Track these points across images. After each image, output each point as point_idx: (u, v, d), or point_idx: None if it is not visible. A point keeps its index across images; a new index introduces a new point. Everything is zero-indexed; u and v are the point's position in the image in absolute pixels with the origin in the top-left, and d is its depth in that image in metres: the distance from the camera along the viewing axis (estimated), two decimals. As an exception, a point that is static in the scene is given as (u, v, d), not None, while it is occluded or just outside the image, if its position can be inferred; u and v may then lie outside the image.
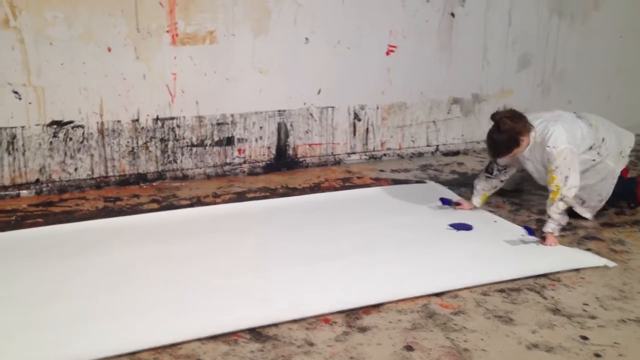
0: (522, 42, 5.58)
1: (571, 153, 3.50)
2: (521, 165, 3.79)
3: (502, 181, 3.91)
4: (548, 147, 3.50)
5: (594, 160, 3.69)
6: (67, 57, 4.10)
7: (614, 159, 3.77)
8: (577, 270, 3.17)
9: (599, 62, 5.96)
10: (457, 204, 4.01)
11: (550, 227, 3.47)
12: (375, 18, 4.96)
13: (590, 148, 3.67)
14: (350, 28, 4.90)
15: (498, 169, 3.88)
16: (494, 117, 3.61)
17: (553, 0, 5.59)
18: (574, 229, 3.70)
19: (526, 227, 3.61)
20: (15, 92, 4.03)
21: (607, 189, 3.80)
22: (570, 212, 3.67)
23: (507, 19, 5.46)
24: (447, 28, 5.25)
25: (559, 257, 3.32)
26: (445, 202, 4.06)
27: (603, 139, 3.72)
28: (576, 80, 5.90)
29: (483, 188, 3.93)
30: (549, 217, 3.49)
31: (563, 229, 3.58)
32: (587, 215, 3.85)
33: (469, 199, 4.00)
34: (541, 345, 2.49)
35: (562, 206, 3.47)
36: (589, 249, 3.44)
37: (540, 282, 3.04)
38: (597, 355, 2.43)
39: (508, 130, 3.54)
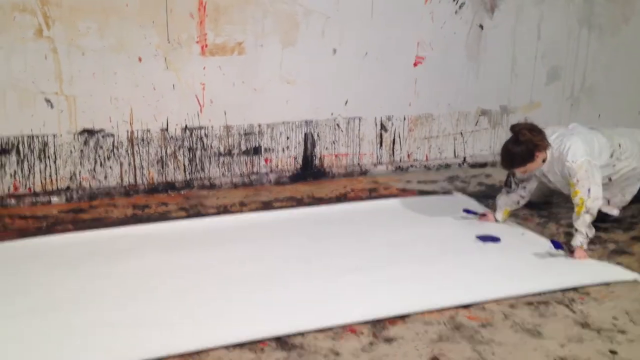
0: (551, 55, 5.54)
1: (590, 165, 3.48)
2: (538, 179, 3.77)
3: (522, 197, 3.87)
4: (567, 162, 3.48)
5: (614, 166, 3.68)
6: (98, 67, 4.17)
7: (636, 159, 3.73)
8: (607, 284, 3.13)
9: (629, 76, 5.89)
10: (483, 215, 3.99)
11: (579, 240, 3.44)
12: (403, 29, 4.96)
13: (611, 156, 3.65)
14: (378, 39, 4.91)
15: (516, 182, 3.87)
16: (513, 128, 3.60)
17: (582, 14, 5.55)
18: (604, 243, 3.66)
19: (553, 241, 3.57)
20: (48, 101, 4.11)
21: (631, 189, 3.79)
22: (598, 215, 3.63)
23: (536, 32, 5.42)
24: (475, 40, 5.24)
25: (588, 270, 3.28)
26: (468, 212, 4.04)
27: (619, 145, 3.69)
28: (606, 95, 5.84)
29: (505, 203, 3.91)
30: (576, 230, 3.45)
31: (592, 243, 3.55)
32: (614, 212, 3.83)
33: (495, 211, 3.98)
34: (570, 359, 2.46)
35: (588, 219, 3.44)
36: (619, 263, 3.39)
37: (569, 296, 3.00)
38: (627, 371, 2.40)
39: (526, 142, 3.51)
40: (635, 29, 5.78)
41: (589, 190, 3.44)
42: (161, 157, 4.48)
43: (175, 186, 4.53)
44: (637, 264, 3.39)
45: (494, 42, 5.30)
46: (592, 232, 3.49)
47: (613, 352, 2.52)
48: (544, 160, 3.60)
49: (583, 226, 3.44)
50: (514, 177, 3.90)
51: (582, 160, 3.47)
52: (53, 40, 4.04)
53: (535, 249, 3.52)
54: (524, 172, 3.70)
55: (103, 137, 4.29)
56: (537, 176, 3.79)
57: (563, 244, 3.53)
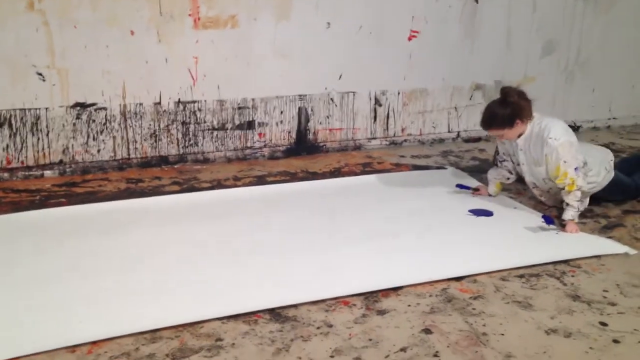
0: (546, 29, 5.52)
1: (574, 145, 3.48)
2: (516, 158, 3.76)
3: (510, 172, 3.87)
4: (550, 138, 3.46)
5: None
6: (90, 40, 4.14)
7: (598, 185, 3.67)
8: (598, 257, 3.15)
9: (624, 50, 5.88)
10: (476, 189, 4.00)
11: (570, 214, 3.45)
12: (397, 3, 4.93)
13: (584, 165, 3.56)
14: (373, 13, 4.88)
15: (499, 160, 3.89)
16: (503, 89, 3.59)
17: (578, -14, 5.54)
18: (596, 217, 3.68)
19: (545, 216, 3.58)
20: (40, 74, 4.08)
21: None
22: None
23: (531, 5, 5.40)
24: (470, 14, 5.21)
25: (579, 243, 3.30)
26: (461, 187, 4.06)
27: (586, 162, 3.57)
28: (600, 68, 5.84)
29: (495, 177, 3.91)
30: (567, 204, 3.46)
31: (584, 216, 3.57)
32: None
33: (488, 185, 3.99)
34: (560, 331, 2.49)
35: (579, 194, 3.45)
36: (610, 236, 3.41)
37: (560, 269, 3.03)
38: (616, 342, 2.42)
39: (512, 105, 3.50)
40: (630, 3, 5.76)
41: (576, 169, 3.44)
42: (154, 131, 4.46)
43: (169, 160, 4.53)
44: (628, 237, 3.41)
45: (489, 15, 5.27)
46: (583, 206, 3.51)
47: (603, 324, 2.54)
48: (520, 135, 3.59)
49: (574, 200, 3.45)
50: (497, 154, 3.91)
51: (565, 139, 3.46)
52: (44, 13, 4.00)
53: (527, 223, 3.53)
54: (500, 138, 3.67)
55: (96, 110, 4.27)
56: (509, 154, 3.78)
57: (554, 219, 3.55)
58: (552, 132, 3.47)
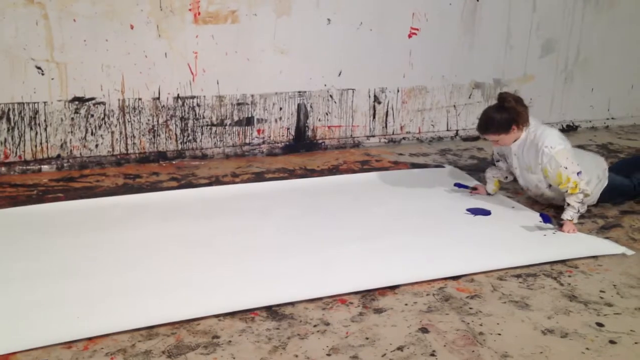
0: (546, 28, 5.51)
1: (570, 152, 3.49)
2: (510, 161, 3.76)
3: (509, 172, 3.87)
4: (546, 147, 3.46)
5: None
6: (90, 33, 4.12)
7: (592, 184, 3.63)
8: (595, 257, 3.16)
9: (623, 50, 5.88)
10: (474, 188, 4.01)
11: (569, 214, 3.45)
12: (398, 0, 4.92)
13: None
14: (373, 10, 4.87)
15: (494, 159, 3.91)
16: (500, 94, 3.59)
17: (579, -14, 5.53)
18: (594, 217, 3.68)
19: (542, 215, 3.59)
20: (38, 68, 4.07)
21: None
22: None
23: (531, 4, 5.39)
24: (470, 12, 5.20)
25: (577, 243, 3.30)
26: (459, 186, 4.06)
27: (579, 172, 3.51)
28: (599, 68, 5.84)
29: (493, 176, 3.91)
30: (568, 205, 3.47)
31: (582, 216, 3.57)
32: None
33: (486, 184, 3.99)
34: (556, 331, 2.49)
35: (582, 197, 3.45)
36: (607, 237, 3.42)
37: (557, 269, 3.03)
38: (612, 342, 2.42)
39: (509, 110, 3.50)
40: (630, 3, 5.76)
41: (578, 173, 3.45)
42: (153, 127, 4.46)
43: (167, 156, 4.52)
44: (625, 238, 3.42)
45: (489, 14, 5.27)
46: (583, 208, 3.51)
47: (600, 325, 2.55)
48: (515, 140, 3.59)
49: (575, 201, 3.45)
50: (493, 155, 3.94)
51: (561, 147, 3.47)
52: (44, 6, 3.99)
53: (524, 222, 3.54)
54: (496, 143, 3.67)
55: (94, 105, 4.26)
56: (504, 157, 3.79)
57: (552, 218, 3.55)
58: (547, 141, 3.48)
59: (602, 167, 3.75)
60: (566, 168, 3.44)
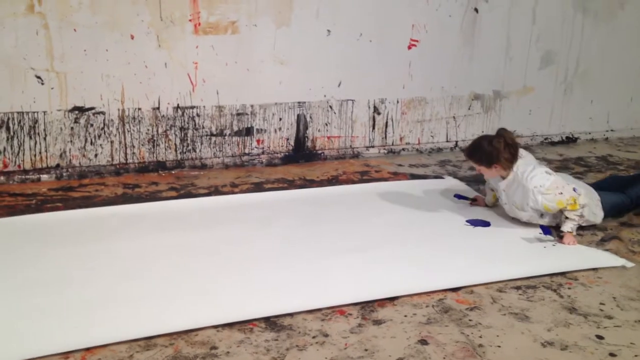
0: (545, 40, 5.53)
1: (557, 180, 3.49)
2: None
3: None
4: (536, 187, 3.45)
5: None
6: (90, 43, 4.13)
7: (593, 214, 3.66)
8: (595, 269, 3.15)
9: (623, 62, 5.90)
10: (474, 200, 4.00)
11: (569, 226, 3.45)
12: (397, 11, 4.94)
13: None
14: (373, 21, 4.88)
15: (487, 186, 3.95)
16: (500, 131, 3.59)
17: (578, -2, 5.55)
18: (593, 229, 3.67)
19: (542, 227, 3.58)
20: (38, 77, 4.07)
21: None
22: None
23: (531, 16, 5.41)
24: (470, 23, 5.22)
25: (576, 255, 3.29)
26: (459, 197, 4.06)
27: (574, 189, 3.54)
28: (599, 80, 5.84)
29: (492, 188, 3.92)
30: (567, 217, 3.46)
31: (581, 229, 3.56)
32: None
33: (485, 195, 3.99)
34: (556, 344, 2.48)
35: (580, 211, 3.46)
36: (607, 249, 3.41)
37: (557, 281, 3.02)
38: (612, 355, 2.41)
39: (495, 149, 3.50)
40: (630, 15, 5.78)
41: (574, 189, 3.47)
42: (152, 136, 4.45)
43: (166, 166, 4.51)
44: (625, 250, 3.41)
45: (488, 25, 5.28)
46: (582, 220, 3.50)
47: (600, 337, 2.54)
48: (503, 178, 3.60)
49: (574, 214, 3.45)
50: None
51: (549, 183, 3.46)
52: (45, 16, 3.99)
53: (524, 234, 3.53)
54: (478, 171, 3.71)
55: (94, 114, 4.26)
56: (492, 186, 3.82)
57: (552, 230, 3.54)
58: (535, 182, 3.47)
59: (586, 188, 3.73)
60: (562, 194, 3.45)
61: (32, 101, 4.09)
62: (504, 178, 3.61)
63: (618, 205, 3.80)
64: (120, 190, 4.07)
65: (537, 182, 3.48)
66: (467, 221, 3.70)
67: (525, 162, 3.60)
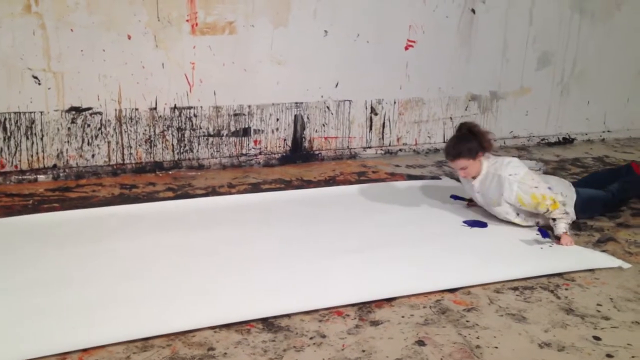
0: (542, 41, 5.54)
1: (532, 174, 3.53)
2: None
3: None
4: (510, 175, 3.48)
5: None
6: (87, 43, 4.13)
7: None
8: (592, 270, 3.15)
9: (619, 63, 5.91)
10: (470, 200, 4.01)
11: (561, 227, 3.45)
12: (395, 12, 4.94)
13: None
14: (370, 22, 4.89)
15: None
16: (463, 124, 3.65)
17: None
18: (590, 230, 3.68)
19: (541, 230, 3.58)
20: (35, 77, 4.06)
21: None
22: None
23: (528, 17, 5.42)
24: (467, 24, 5.23)
25: (573, 257, 3.29)
26: (456, 198, 4.06)
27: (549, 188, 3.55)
28: (595, 81, 5.86)
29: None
30: (555, 220, 3.47)
31: (578, 229, 3.57)
32: None
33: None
34: (553, 345, 2.48)
35: (563, 209, 3.47)
36: (604, 250, 3.41)
37: (554, 282, 3.02)
38: (609, 356, 2.41)
39: (479, 133, 3.53)
40: (626, 16, 5.80)
41: (549, 188, 3.49)
42: (149, 137, 4.45)
43: (164, 166, 4.51)
44: (621, 251, 3.42)
45: (485, 26, 5.29)
46: (570, 218, 3.52)
47: (597, 338, 2.54)
48: (474, 178, 3.60)
49: (560, 214, 3.46)
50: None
51: (523, 172, 3.50)
52: (42, 16, 3.99)
53: (521, 235, 3.53)
54: (464, 171, 3.61)
55: (91, 115, 4.26)
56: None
57: (550, 233, 3.55)
58: (509, 169, 3.51)
59: (565, 183, 3.76)
60: (536, 187, 3.48)
61: (29, 101, 4.09)
62: (474, 178, 3.62)
63: (597, 198, 3.80)
64: (118, 191, 4.06)
65: (512, 170, 3.51)
66: (464, 222, 3.71)
67: (496, 158, 3.64)
